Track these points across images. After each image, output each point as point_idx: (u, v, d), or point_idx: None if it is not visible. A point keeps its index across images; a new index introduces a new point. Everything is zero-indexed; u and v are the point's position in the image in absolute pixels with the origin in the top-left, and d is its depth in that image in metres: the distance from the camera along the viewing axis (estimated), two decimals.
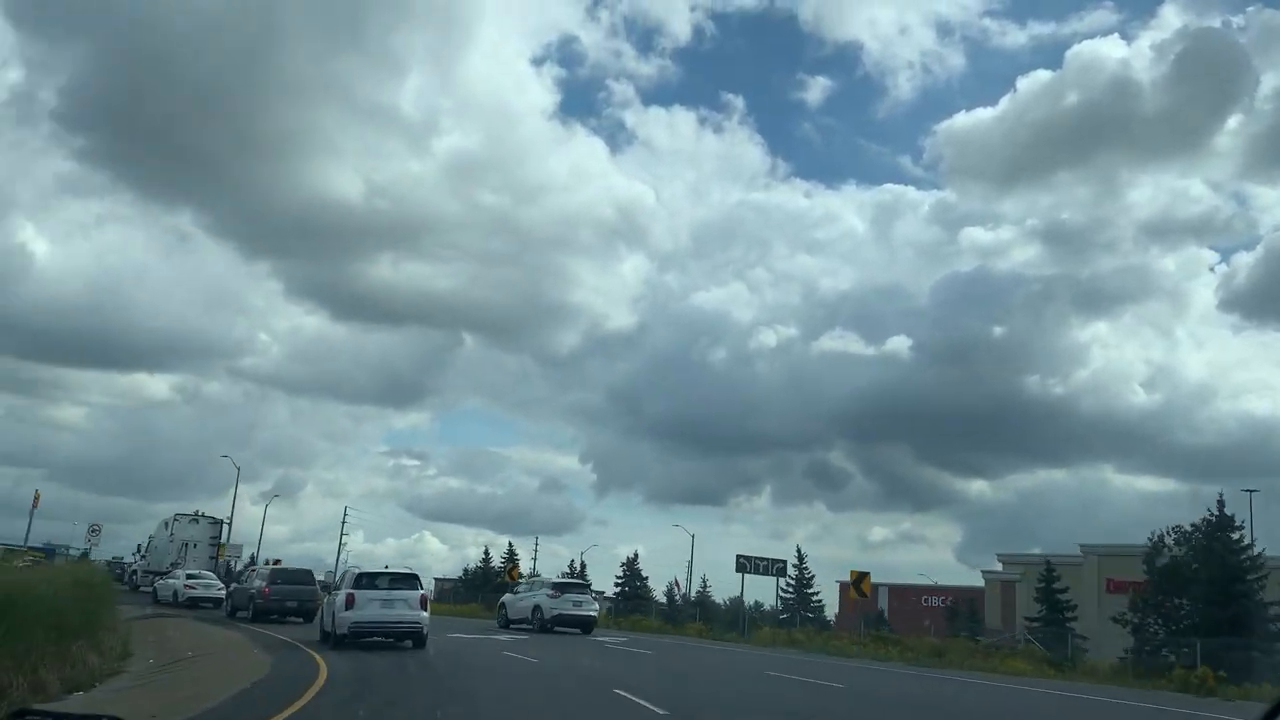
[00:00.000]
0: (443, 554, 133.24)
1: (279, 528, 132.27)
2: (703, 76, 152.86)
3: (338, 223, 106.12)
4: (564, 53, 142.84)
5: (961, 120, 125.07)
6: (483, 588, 65.49)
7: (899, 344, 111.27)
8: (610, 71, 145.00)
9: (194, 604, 36.85)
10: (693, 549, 71.73)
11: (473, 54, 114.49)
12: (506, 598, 36.09)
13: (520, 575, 53.94)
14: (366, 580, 21.28)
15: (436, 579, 76.71)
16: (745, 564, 41.52)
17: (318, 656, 18.09)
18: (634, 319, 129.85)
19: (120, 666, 15.35)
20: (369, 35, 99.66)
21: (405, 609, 20.78)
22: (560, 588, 33.09)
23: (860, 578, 38.60)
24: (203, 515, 47.15)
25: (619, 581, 68.96)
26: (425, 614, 20.98)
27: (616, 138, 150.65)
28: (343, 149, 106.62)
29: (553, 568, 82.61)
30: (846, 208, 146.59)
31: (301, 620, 29.48)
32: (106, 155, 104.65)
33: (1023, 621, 45.80)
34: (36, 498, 57.28)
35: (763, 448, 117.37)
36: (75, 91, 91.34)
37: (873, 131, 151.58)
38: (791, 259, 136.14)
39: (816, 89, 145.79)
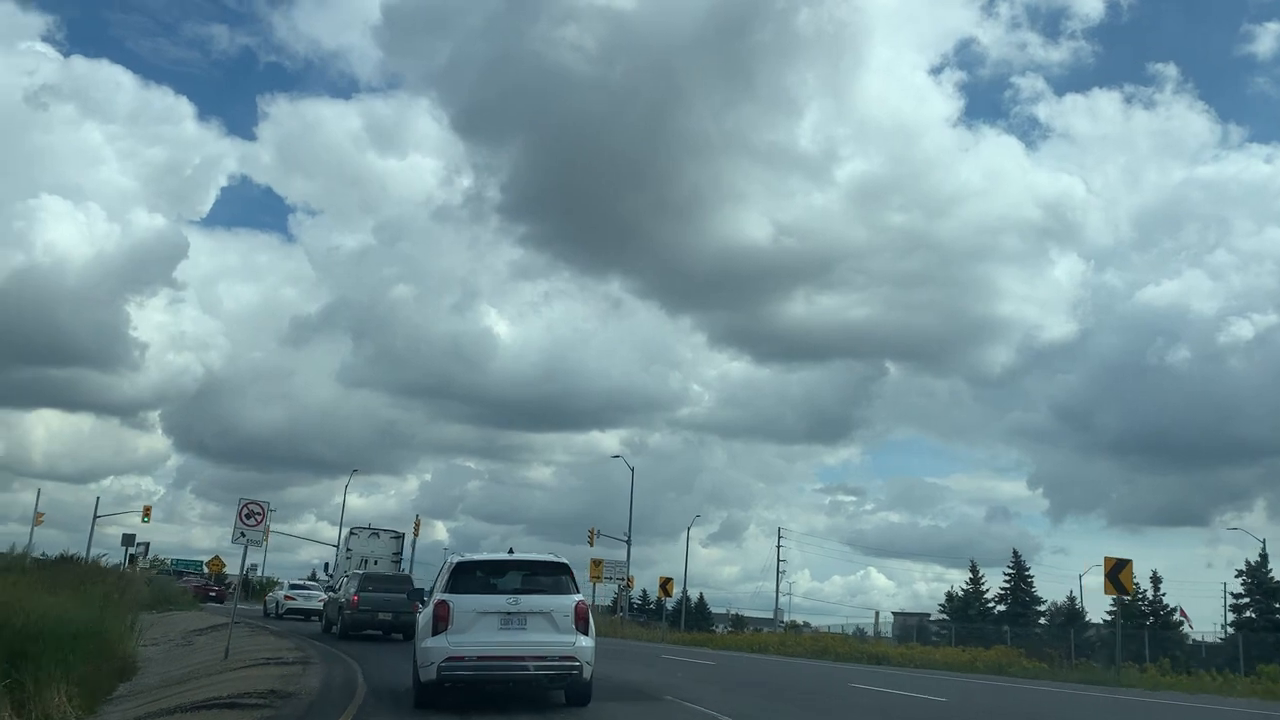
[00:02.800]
0: (890, 590, 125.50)
1: (729, 568, 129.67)
2: (1123, 51, 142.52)
3: (750, 266, 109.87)
4: (963, 56, 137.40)
5: None
6: (978, 620, 51.77)
7: None
8: (1015, 67, 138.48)
9: (305, 616, 33.47)
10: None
11: (866, 77, 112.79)
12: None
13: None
14: (476, 577, 12.25)
15: (895, 613, 68.79)
16: None
17: None
18: (1073, 326, 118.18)
19: None
20: (761, 81, 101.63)
21: (547, 629, 11.75)
22: None
23: None
24: (384, 529, 41.58)
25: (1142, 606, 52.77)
26: (587, 641, 11.87)
27: (1030, 134, 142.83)
28: (748, 195, 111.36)
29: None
30: None
31: (401, 637, 24.69)
32: (545, 238, 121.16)
33: None
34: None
35: (1250, 455, 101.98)
36: (513, 186, 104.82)
37: None
38: (1259, 235, 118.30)
39: (1268, 38, 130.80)
